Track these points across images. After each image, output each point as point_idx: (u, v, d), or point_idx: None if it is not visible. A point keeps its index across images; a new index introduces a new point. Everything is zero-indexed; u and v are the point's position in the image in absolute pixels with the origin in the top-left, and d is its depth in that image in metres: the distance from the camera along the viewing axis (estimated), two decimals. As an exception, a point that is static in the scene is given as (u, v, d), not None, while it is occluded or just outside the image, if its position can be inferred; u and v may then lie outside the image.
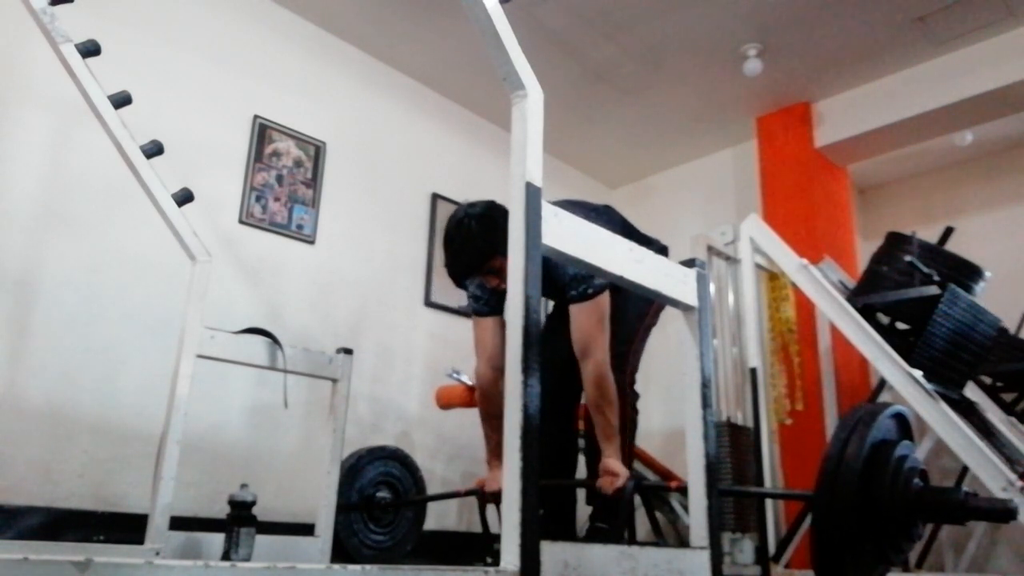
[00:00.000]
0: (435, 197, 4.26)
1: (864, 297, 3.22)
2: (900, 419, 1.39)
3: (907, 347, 2.95)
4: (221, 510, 2.42)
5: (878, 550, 1.28)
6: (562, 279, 2.15)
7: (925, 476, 1.36)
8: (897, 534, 1.29)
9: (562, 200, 2.19)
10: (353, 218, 3.85)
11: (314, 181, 3.71)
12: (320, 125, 3.79)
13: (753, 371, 3.41)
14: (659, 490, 2.02)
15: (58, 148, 2.90)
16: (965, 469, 3.30)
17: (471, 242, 2.03)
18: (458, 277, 2.15)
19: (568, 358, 2.35)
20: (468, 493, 2.56)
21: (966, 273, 3.14)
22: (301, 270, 3.57)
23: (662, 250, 2.48)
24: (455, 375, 3.31)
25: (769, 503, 3.23)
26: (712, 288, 3.57)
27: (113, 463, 2.82)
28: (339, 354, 2.60)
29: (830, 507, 1.23)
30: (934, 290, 2.96)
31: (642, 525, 4.13)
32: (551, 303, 2.61)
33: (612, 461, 2.09)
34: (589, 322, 2.14)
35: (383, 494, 2.88)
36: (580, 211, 2.12)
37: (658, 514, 4.05)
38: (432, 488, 3.86)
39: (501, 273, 2.02)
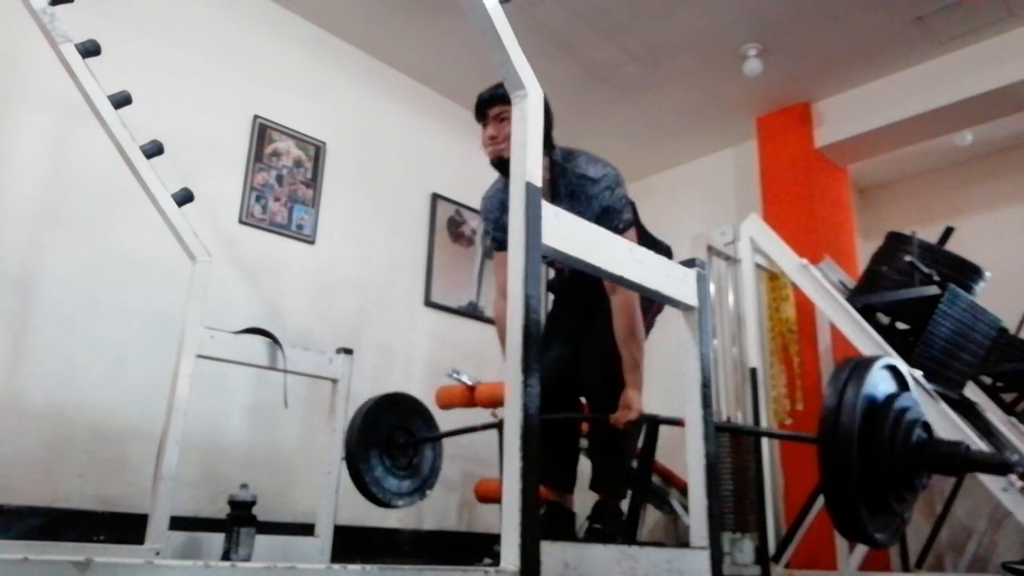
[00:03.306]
0: (435, 197, 4.26)
1: (864, 297, 3.22)
2: (894, 371, 1.41)
3: (907, 347, 2.95)
4: (221, 510, 2.42)
5: (881, 500, 1.31)
6: (590, 219, 2.16)
7: (928, 428, 1.38)
8: (900, 484, 1.32)
9: (576, 149, 2.26)
10: (353, 218, 3.85)
11: (314, 181, 3.71)
12: (320, 125, 3.79)
13: (753, 371, 3.41)
14: (668, 423, 2.05)
15: (58, 148, 2.90)
16: (965, 469, 3.30)
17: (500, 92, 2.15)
18: (480, 105, 2.23)
19: (569, 357, 2.35)
20: (486, 427, 2.64)
21: (966, 273, 3.13)
22: (301, 270, 3.57)
23: (666, 251, 2.49)
24: (455, 375, 3.31)
25: (769, 504, 3.23)
26: (712, 288, 3.57)
27: (113, 463, 2.82)
28: (339, 354, 2.60)
29: (834, 448, 1.26)
30: (934, 290, 2.96)
31: (642, 525, 4.12)
32: (550, 298, 2.61)
33: (631, 393, 2.11)
34: None
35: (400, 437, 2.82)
36: (590, 165, 2.20)
37: (657, 514, 4.05)
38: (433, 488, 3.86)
39: (503, 122, 2.15)
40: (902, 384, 1.41)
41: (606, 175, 2.18)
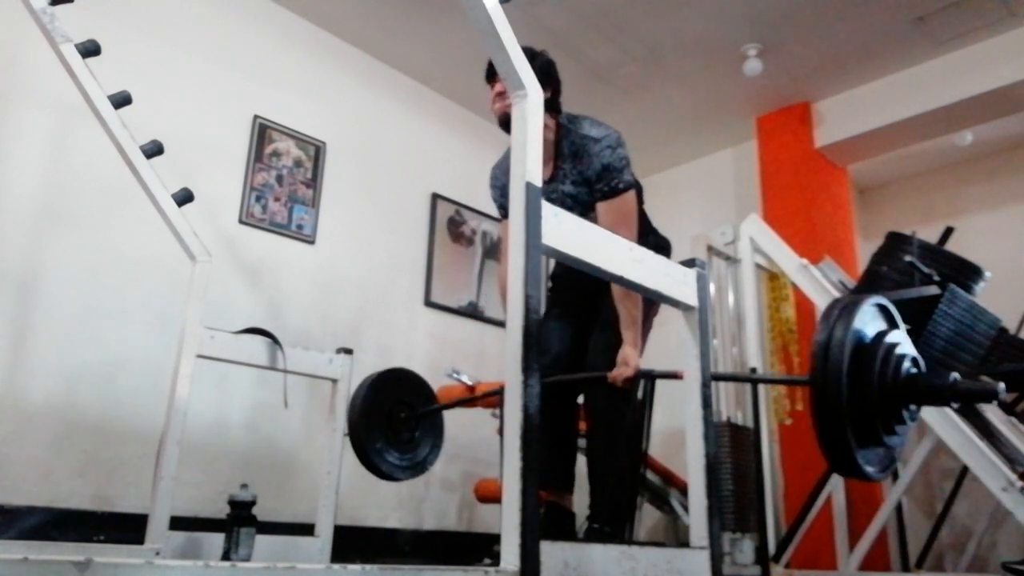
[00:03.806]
0: (435, 197, 4.26)
1: (864, 297, 3.21)
2: (883, 309, 1.43)
3: (907, 347, 2.95)
4: (221, 510, 2.42)
5: (872, 433, 1.33)
6: (591, 177, 2.24)
7: (917, 362, 1.41)
8: (890, 417, 1.35)
9: (581, 115, 2.33)
10: (353, 218, 3.85)
11: (314, 181, 3.71)
12: (320, 125, 3.79)
13: (753, 371, 3.41)
14: (666, 376, 2.08)
15: (58, 148, 2.90)
16: (965, 469, 3.30)
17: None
18: (492, 65, 2.25)
19: (569, 355, 2.35)
20: (487, 395, 2.64)
21: (966, 273, 3.13)
22: (301, 270, 3.57)
23: (663, 243, 2.49)
24: (455, 375, 3.31)
25: (769, 504, 3.23)
26: (712, 288, 3.57)
27: (113, 463, 2.82)
28: (339, 354, 2.60)
29: (824, 397, 1.27)
30: (934, 290, 2.95)
31: (643, 525, 4.12)
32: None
33: (628, 350, 2.14)
34: (616, 218, 2.21)
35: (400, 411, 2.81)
36: (593, 127, 2.26)
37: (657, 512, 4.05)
38: (433, 487, 3.86)
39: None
40: (891, 322, 1.43)
41: (608, 135, 2.26)
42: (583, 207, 2.34)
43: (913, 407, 1.39)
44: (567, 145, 2.30)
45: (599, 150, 2.24)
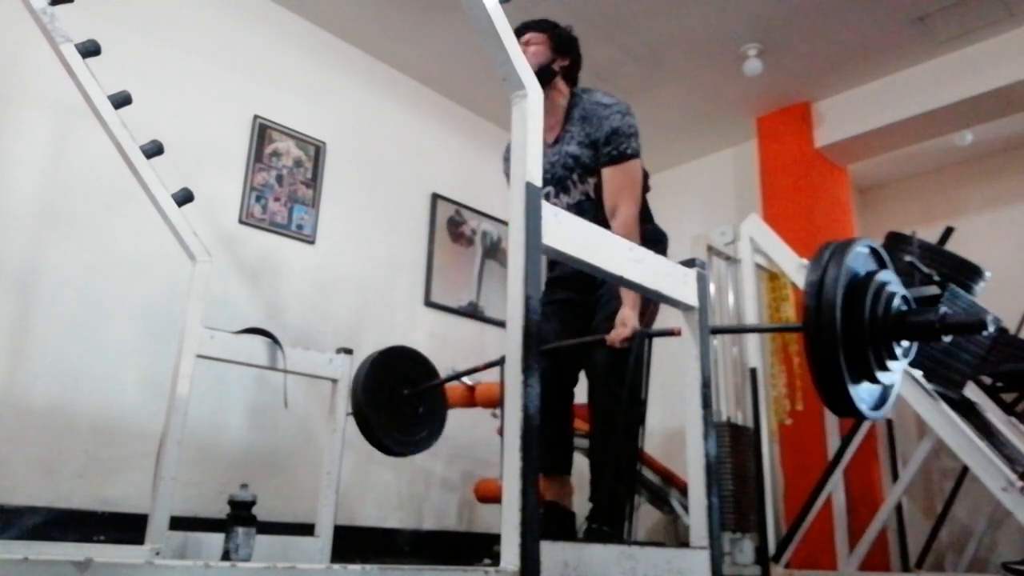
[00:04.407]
0: (435, 197, 4.26)
1: (864, 297, 3.21)
2: (874, 251, 1.47)
3: (907, 347, 2.95)
4: (221, 510, 2.42)
5: (866, 370, 1.36)
6: (598, 139, 2.32)
7: (907, 300, 1.45)
8: (883, 353, 1.38)
9: (596, 88, 2.46)
10: (353, 218, 3.85)
11: (314, 181, 3.71)
12: (320, 125, 3.79)
13: (753, 371, 3.41)
14: (663, 334, 2.10)
15: (58, 148, 2.90)
16: (965, 469, 3.30)
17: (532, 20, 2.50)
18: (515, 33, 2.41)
19: (567, 351, 2.36)
20: (490, 365, 2.65)
21: (966, 273, 3.14)
22: (301, 270, 3.57)
23: (661, 235, 2.49)
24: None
25: (769, 504, 3.23)
26: (712, 288, 3.57)
27: (113, 463, 2.82)
28: (339, 354, 2.60)
29: (818, 332, 1.30)
30: (934, 290, 2.95)
31: (643, 525, 4.13)
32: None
33: (627, 311, 2.17)
34: (621, 183, 2.30)
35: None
36: (605, 96, 2.38)
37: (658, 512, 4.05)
38: (433, 487, 3.86)
39: (528, 45, 2.40)
40: (881, 263, 1.47)
41: (618, 103, 2.37)
42: (584, 170, 2.38)
43: (905, 343, 1.42)
44: (577, 111, 2.39)
45: (608, 114, 2.33)
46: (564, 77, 2.46)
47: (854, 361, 1.33)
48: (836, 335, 1.29)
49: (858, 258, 1.40)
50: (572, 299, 2.46)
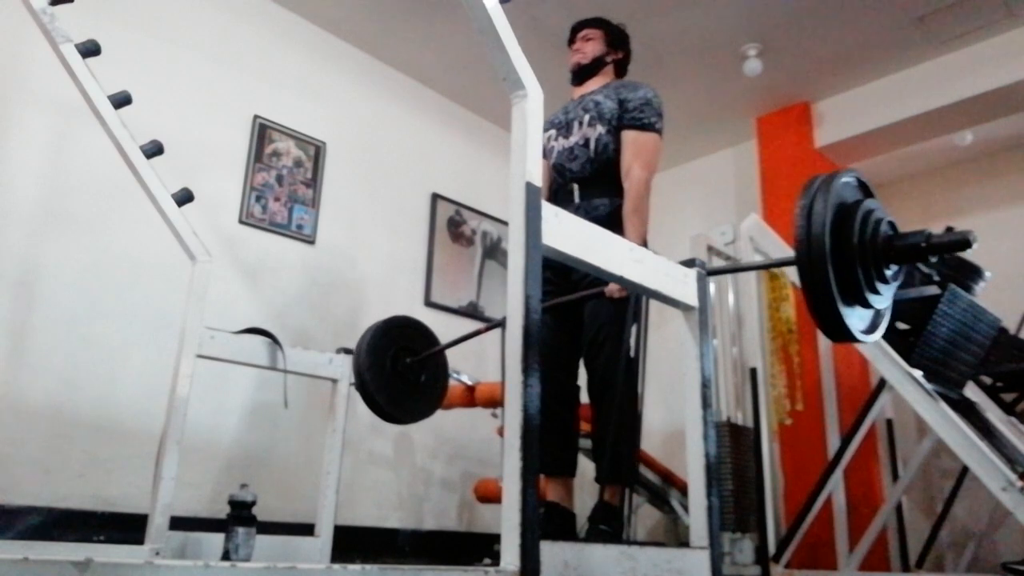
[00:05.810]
0: (435, 197, 4.26)
1: (864, 297, 3.21)
2: (860, 182, 1.52)
3: (907, 347, 2.95)
4: (221, 510, 2.42)
5: (858, 294, 1.39)
6: (629, 100, 2.48)
7: (894, 226, 1.50)
8: (873, 278, 1.42)
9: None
10: (353, 218, 3.85)
11: (314, 181, 3.71)
12: (320, 125, 3.79)
13: (753, 371, 3.41)
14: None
15: (58, 148, 2.90)
16: (965, 469, 3.30)
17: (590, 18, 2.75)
18: (572, 31, 2.73)
19: (567, 349, 2.36)
20: (490, 328, 2.69)
21: (966, 273, 3.13)
22: (301, 270, 3.57)
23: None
24: (455, 375, 3.31)
25: (769, 505, 3.23)
26: (712, 288, 3.57)
27: (113, 463, 2.82)
28: (339, 354, 2.60)
29: (808, 254, 1.34)
30: (934, 290, 2.96)
31: (643, 525, 4.13)
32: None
33: None
34: (638, 150, 2.41)
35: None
36: (617, 90, 2.51)
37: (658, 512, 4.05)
38: (432, 486, 3.86)
39: (588, 41, 2.67)
40: (868, 193, 1.52)
41: (651, 87, 2.54)
42: (597, 116, 2.48)
43: (894, 266, 1.46)
44: (614, 89, 2.55)
45: (644, 91, 2.51)
46: (615, 70, 2.70)
47: (845, 284, 1.37)
48: (826, 256, 1.32)
49: (845, 187, 1.45)
50: (548, 279, 2.46)
